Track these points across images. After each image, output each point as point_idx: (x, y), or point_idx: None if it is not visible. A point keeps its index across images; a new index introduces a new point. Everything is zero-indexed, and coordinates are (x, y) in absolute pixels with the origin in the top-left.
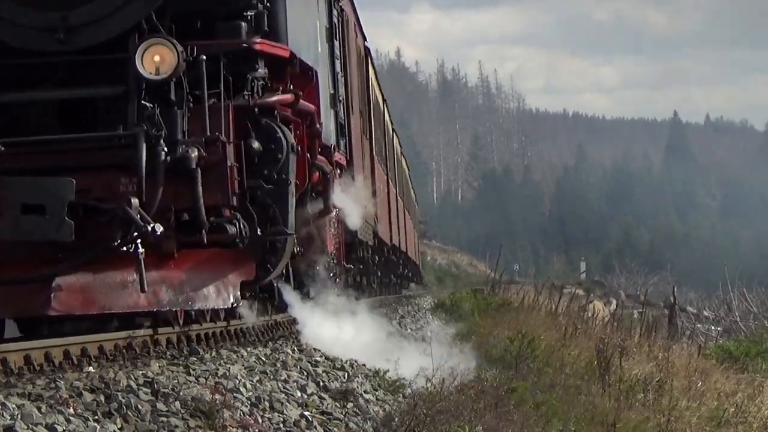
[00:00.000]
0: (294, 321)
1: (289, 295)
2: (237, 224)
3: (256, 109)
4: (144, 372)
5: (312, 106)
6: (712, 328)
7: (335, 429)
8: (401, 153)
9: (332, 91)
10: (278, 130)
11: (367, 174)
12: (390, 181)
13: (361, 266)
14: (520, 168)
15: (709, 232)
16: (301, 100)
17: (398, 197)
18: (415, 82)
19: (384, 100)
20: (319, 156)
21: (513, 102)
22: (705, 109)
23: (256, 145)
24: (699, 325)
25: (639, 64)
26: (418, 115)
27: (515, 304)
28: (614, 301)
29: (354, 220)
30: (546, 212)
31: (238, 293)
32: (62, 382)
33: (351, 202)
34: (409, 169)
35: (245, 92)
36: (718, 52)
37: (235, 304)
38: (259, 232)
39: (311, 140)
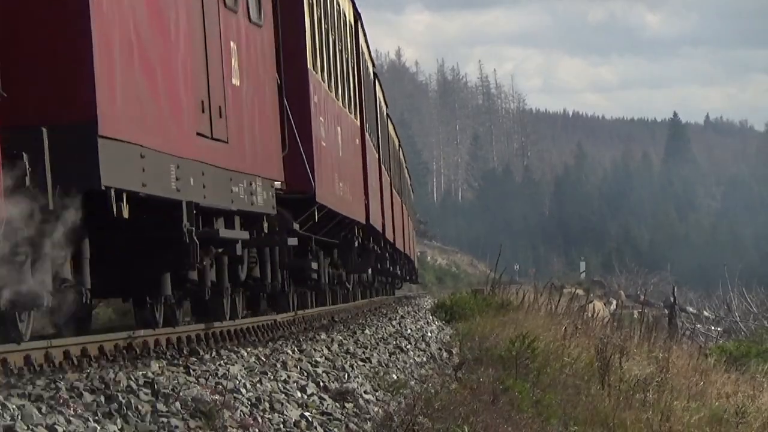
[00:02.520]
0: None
1: None
2: None
3: None
4: (144, 372)
5: None
6: (712, 328)
7: (335, 429)
8: (387, 115)
9: None
10: None
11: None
12: (368, 136)
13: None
14: (520, 168)
15: (709, 232)
16: None
17: (382, 166)
18: (415, 82)
19: (357, 18)
20: None
21: (513, 102)
22: (705, 109)
23: None
24: (699, 326)
25: (637, 64)
26: (418, 115)
27: (515, 304)
28: (614, 301)
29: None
30: (546, 212)
31: None
32: (62, 383)
33: None
34: (400, 142)
35: None
36: (717, 52)
37: None
38: None
39: None
